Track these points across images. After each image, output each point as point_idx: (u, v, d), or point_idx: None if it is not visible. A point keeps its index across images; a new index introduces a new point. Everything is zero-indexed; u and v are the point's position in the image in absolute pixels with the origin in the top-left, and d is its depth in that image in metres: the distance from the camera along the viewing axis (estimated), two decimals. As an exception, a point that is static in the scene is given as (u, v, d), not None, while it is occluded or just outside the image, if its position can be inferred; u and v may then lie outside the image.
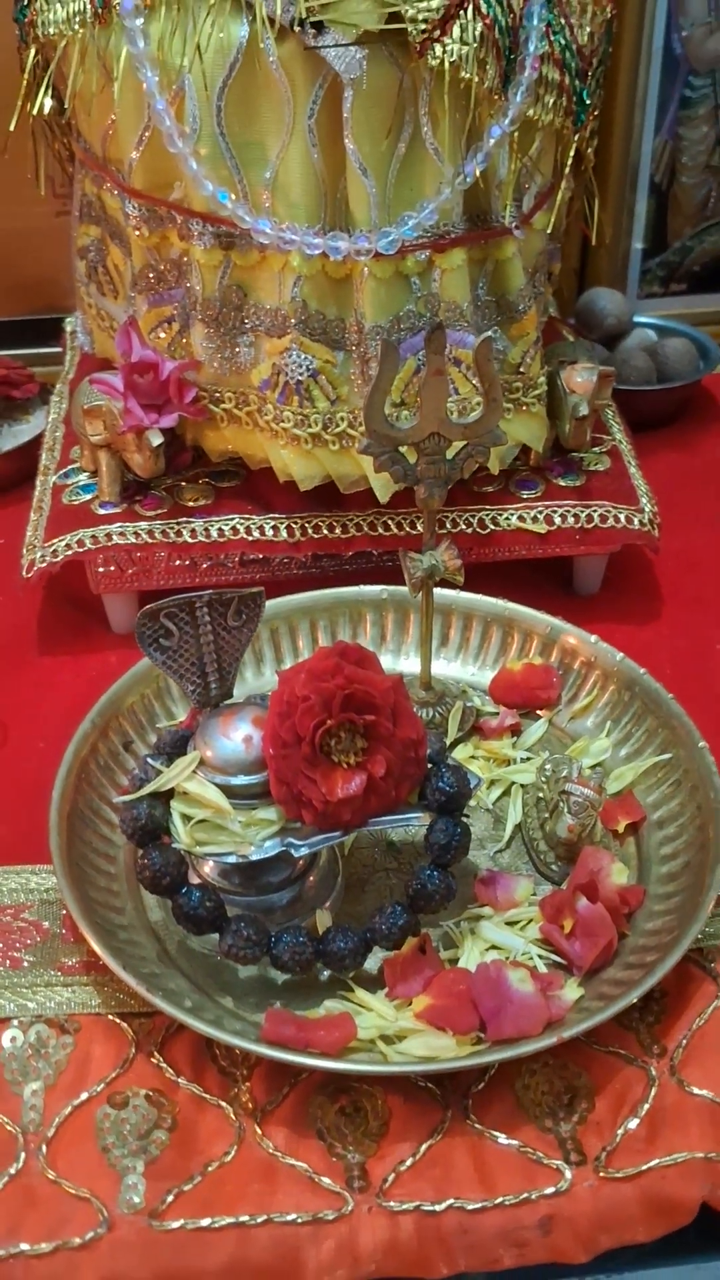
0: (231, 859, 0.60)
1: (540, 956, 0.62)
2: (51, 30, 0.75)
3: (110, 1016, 0.61)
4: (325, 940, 0.60)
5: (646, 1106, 0.56)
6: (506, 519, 0.81)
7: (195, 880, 0.63)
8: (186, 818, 0.60)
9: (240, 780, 0.59)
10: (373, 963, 0.61)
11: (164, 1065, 0.59)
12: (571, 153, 0.78)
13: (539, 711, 0.75)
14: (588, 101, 0.77)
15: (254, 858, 0.59)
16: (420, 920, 0.61)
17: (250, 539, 0.80)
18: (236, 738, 0.60)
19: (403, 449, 0.65)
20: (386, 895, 0.66)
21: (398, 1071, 0.57)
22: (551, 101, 0.75)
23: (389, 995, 0.60)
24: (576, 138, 0.78)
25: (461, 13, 0.67)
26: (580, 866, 0.64)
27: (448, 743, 0.73)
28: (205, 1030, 0.56)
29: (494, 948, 0.63)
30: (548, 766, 0.70)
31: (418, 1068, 0.56)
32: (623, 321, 1.05)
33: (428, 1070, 0.57)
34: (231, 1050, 0.59)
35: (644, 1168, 0.54)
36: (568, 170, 0.79)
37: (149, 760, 0.62)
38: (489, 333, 0.61)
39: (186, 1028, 0.58)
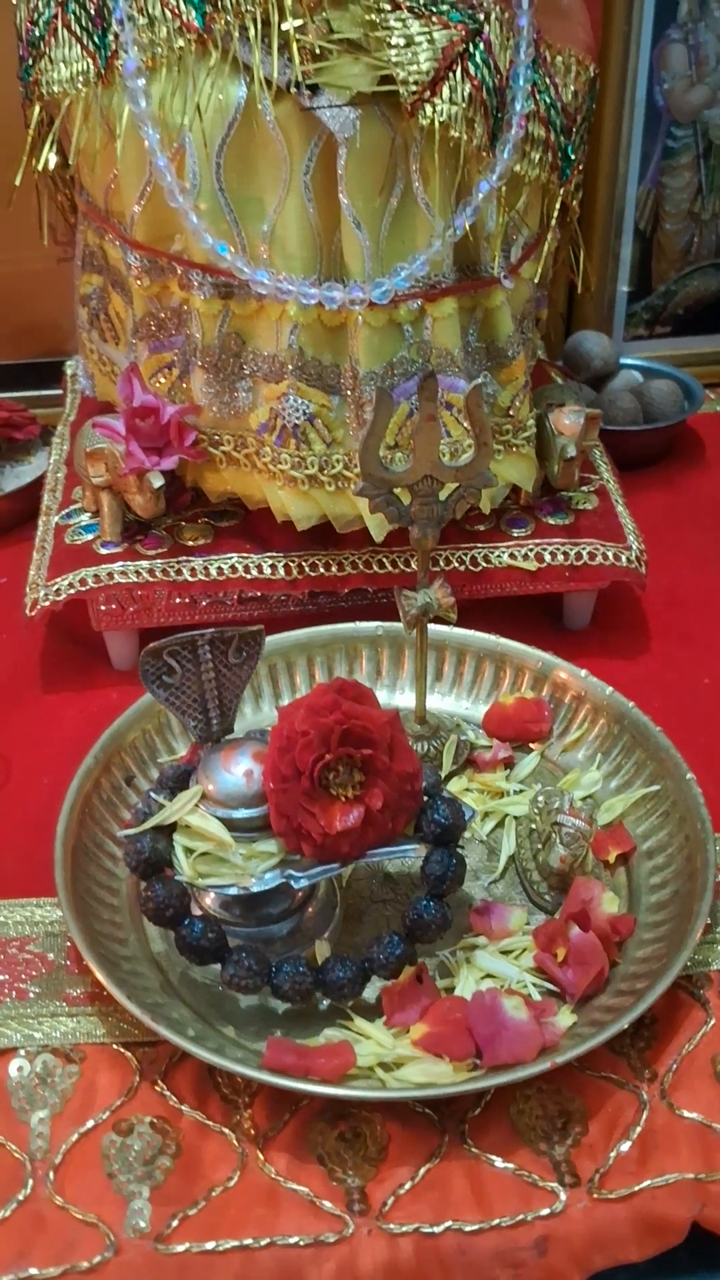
0: (233, 891, 0.61)
1: (534, 984, 0.64)
2: (55, 89, 0.77)
3: (115, 1046, 0.62)
4: (324, 970, 0.62)
5: (638, 1129, 0.58)
6: (498, 557, 0.83)
7: (197, 912, 0.64)
8: (189, 850, 0.61)
9: (241, 814, 0.61)
10: (371, 992, 0.63)
11: (168, 1093, 0.60)
12: (557, 205, 0.80)
13: (531, 745, 0.77)
14: (572, 157, 0.80)
15: (255, 889, 0.61)
16: (417, 950, 0.63)
17: (249, 577, 0.82)
18: (238, 772, 0.61)
19: (397, 491, 0.67)
20: (384, 925, 0.67)
21: (396, 1097, 0.58)
22: (538, 157, 0.77)
23: (387, 1023, 0.61)
24: (562, 191, 0.80)
25: (451, 75, 0.70)
26: (572, 896, 0.66)
27: (443, 775, 0.74)
28: (208, 1058, 0.58)
29: (489, 976, 0.64)
30: (540, 798, 0.71)
31: (415, 1094, 0.58)
32: (609, 363, 1.07)
33: (425, 1096, 0.58)
34: (233, 1078, 0.60)
35: (636, 1189, 0.55)
36: (554, 222, 0.82)
37: (151, 794, 0.63)
38: (479, 379, 0.64)
39: (189, 1057, 0.59)
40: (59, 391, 1.02)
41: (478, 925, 0.67)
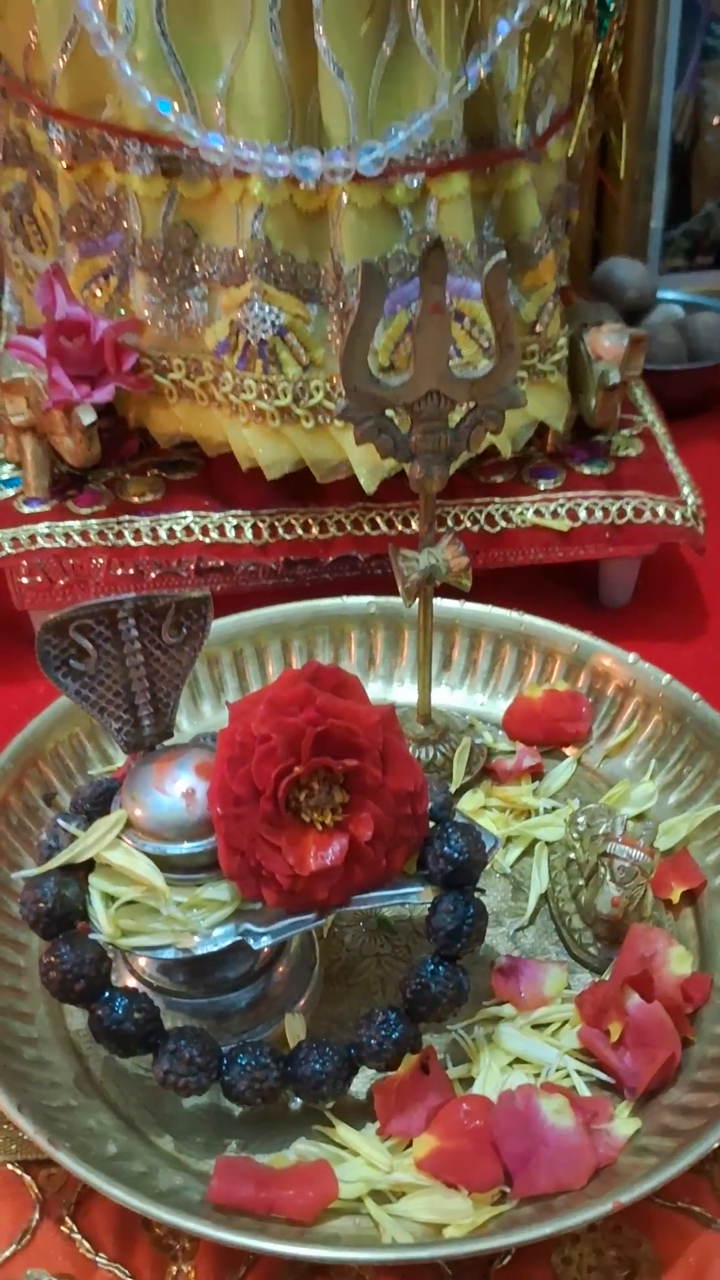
0: (169, 954, 0.45)
1: (579, 1073, 0.48)
2: None
3: (8, 1165, 0.46)
4: (295, 1060, 0.46)
5: (736, 1293, 0.41)
6: (520, 514, 0.69)
7: (125, 979, 0.49)
8: (109, 898, 0.46)
9: (180, 849, 0.46)
10: (360, 1084, 0.48)
11: (78, 1236, 0.44)
12: (593, 67, 0.65)
13: (565, 749, 0.64)
14: (610, 4, 0.64)
15: (200, 951, 0.46)
16: (422, 1030, 0.47)
17: (208, 541, 0.69)
18: (175, 791, 0.46)
19: (392, 415, 0.51)
20: (377, 990, 0.53)
21: (392, 1259, 0.42)
22: (569, 1, 0.61)
23: (381, 1132, 0.47)
24: (599, 49, 0.64)
25: None
26: (628, 950, 0.51)
27: (453, 791, 0.58)
28: (128, 1201, 0.41)
29: (518, 1061, 0.50)
30: (580, 819, 0.56)
31: (419, 1254, 0.41)
32: (645, 295, 0.93)
33: (436, 1257, 0.42)
34: (169, 1217, 0.43)
35: None
36: (589, 89, 0.66)
37: (59, 823, 0.47)
38: (499, 256, 0.47)
39: (107, 1186, 0.43)
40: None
41: (502, 990, 0.52)
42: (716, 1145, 0.44)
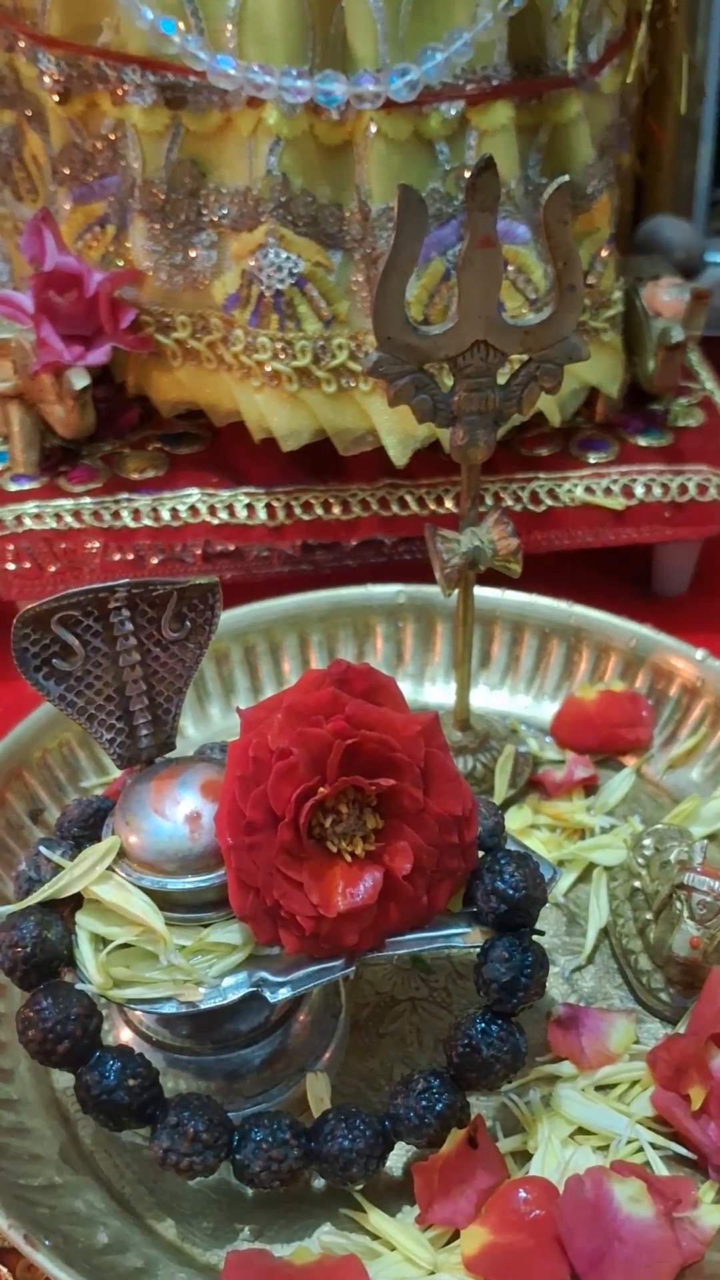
0: (169, 1008, 0.39)
1: (655, 1145, 0.42)
2: None
3: (-20, 1256, 0.39)
4: (320, 1135, 0.40)
5: None
6: (568, 491, 0.63)
7: (119, 1033, 0.42)
8: (100, 941, 0.40)
9: (182, 884, 0.39)
10: (396, 1159, 0.41)
11: (61, 1347, 0.37)
12: (652, -12, 0.57)
13: (623, 758, 0.58)
14: None
15: (205, 1005, 0.39)
16: (469, 1100, 0.40)
17: (216, 522, 0.63)
18: (176, 815, 0.40)
19: (431, 369, 0.43)
20: (412, 1042, 0.46)
21: None
22: None
23: (421, 1220, 0.40)
24: (659, -33, 0.57)
25: None
26: (708, 1000, 0.44)
27: (497, 805, 0.51)
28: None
29: (581, 1131, 0.43)
30: (646, 841, 0.49)
31: None
32: (694, 255, 0.86)
33: None
34: (170, 1322, 0.37)
35: None
36: (646, 13, 0.58)
37: (41, 850, 0.40)
38: (564, 177, 0.40)
39: None
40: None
41: (559, 1044, 0.46)
42: None
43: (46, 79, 0.58)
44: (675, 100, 0.67)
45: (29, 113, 0.63)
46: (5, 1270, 0.40)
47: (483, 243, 0.41)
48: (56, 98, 0.58)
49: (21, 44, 0.61)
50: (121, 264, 0.60)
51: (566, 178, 0.41)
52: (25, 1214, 0.37)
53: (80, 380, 0.59)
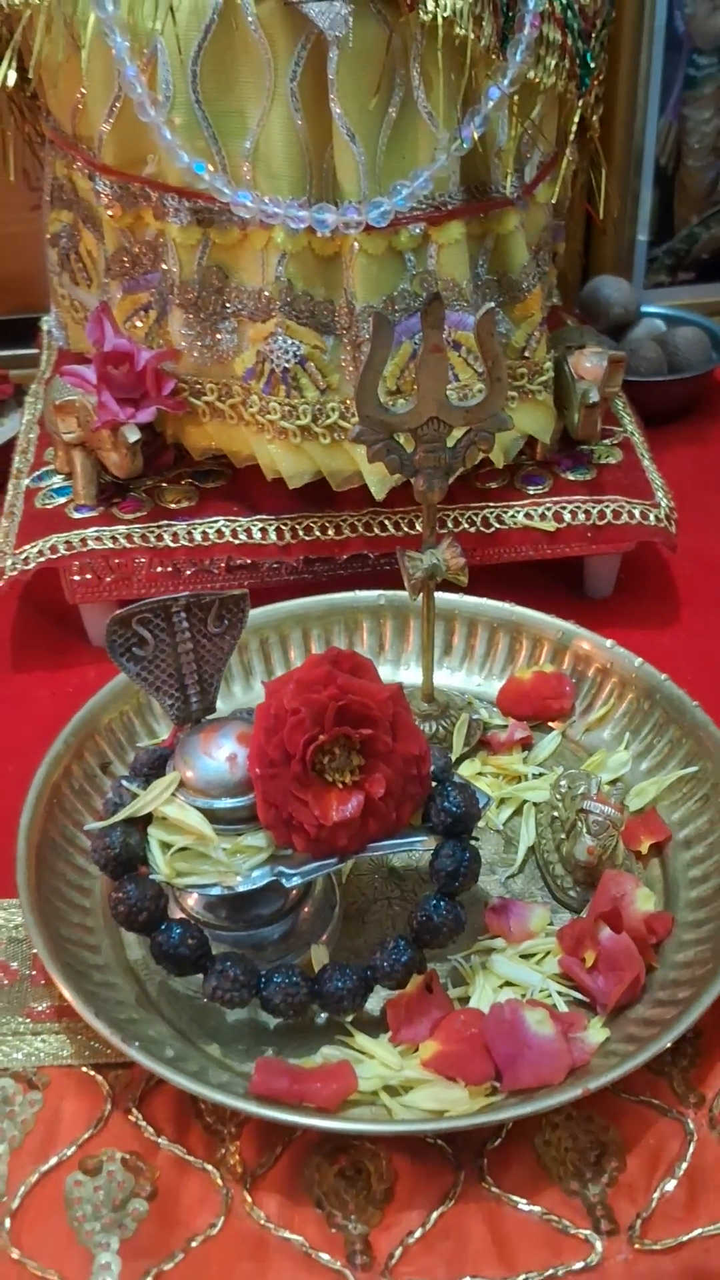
0: (216, 891, 0.54)
1: (560, 993, 0.56)
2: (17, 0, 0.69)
3: (84, 1069, 0.55)
4: (321, 980, 0.54)
5: (684, 1165, 0.50)
6: (512, 517, 0.76)
7: (176, 915, 0.57)
8: (165, 845, 0.54)
9: (224, 803, 0.53)
10: (374, 1003, 0.56)
11: (143, 1123, 0.53)
12: (576, 119, 0.72)
13: (551, 723, 0.70)
14: (592, 64, 0.71)
15: (241, 889, 0.54)
16: (426, 956, 0.55)
17: (237, 542, 0.75)
18: (220, 756, 0.54)
19: (399, 437, 0.59)
20: (388, 927, 0.60)
21: (403, 1131, 0.50)
22: (553, 64, 0.69)
23: (393, 1040, 0.54)
24: (581, 103, 0.72)
25: (455, -37, 0.62)
26: (601, 892, 0.59)
27: (453, 759, 0.66)
28: (186, 1085, 0.50)
29: (508, 984, 0.57)
30: (563, 783, 0.64)
31: (426, 1126, 0.50)
32: (630, 311, 1.00)
33: (438, 1129, 0.50)
34: (218, 1105, 0.52)
35: (684, 1238, 0.48)
36: (572, 138, 0.73)
37: (123, 782, 0.56)
38: (490, 304, 0.55)
39: (167, 1081, 0.51)
40: (35, 350, 0.94)
41: (494, 926, 0.60)
42: (669, 1047, 0.52)
43: (103, 197, 0.71)
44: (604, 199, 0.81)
45: (84, 216, 0.75)
46: (101, 1079, 0.55)
47: (434, 349, 0.56)
48: (110, 213, 0.71)
49: (79, 164, 0.74)
50: (162, 343, 0.72)
51: (492, 305, 0.56)
52: (121, 1031, 0.52)
53: (133, 435, 0.71)
